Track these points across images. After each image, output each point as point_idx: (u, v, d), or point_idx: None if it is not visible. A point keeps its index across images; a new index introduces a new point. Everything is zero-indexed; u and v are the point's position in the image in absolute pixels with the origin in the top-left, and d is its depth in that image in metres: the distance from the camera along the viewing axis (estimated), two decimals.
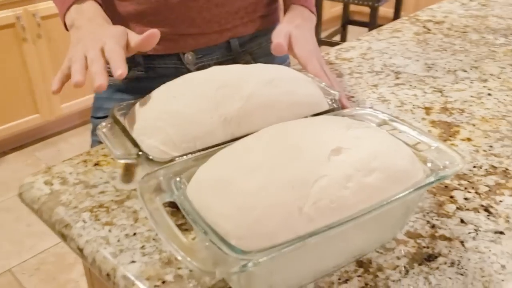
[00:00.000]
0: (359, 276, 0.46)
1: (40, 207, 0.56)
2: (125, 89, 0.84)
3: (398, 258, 0.48)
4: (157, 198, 0.43)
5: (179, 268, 0.47)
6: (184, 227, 0.51)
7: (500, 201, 0.56)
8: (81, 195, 0.57)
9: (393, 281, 0.46)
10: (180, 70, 0.83)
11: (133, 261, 0.48)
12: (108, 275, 0.48)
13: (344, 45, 1.01)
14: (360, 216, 0.40)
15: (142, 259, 0.48)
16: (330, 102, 0.61)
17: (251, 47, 0.87)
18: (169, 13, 0.77)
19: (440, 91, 0.81)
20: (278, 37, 0.70)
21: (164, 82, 0.82)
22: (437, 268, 0.47)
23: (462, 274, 0.46)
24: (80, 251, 0.51)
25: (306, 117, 0.56)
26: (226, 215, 0.40)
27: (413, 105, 0.77)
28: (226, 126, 0.53)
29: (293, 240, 0.38)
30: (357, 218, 0.40)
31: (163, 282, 0.46)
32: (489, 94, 0.80)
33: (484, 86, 0.83)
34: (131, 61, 0.82)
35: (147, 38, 0.60)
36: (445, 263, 0.48)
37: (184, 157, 0.49)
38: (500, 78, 0.86)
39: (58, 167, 0.62)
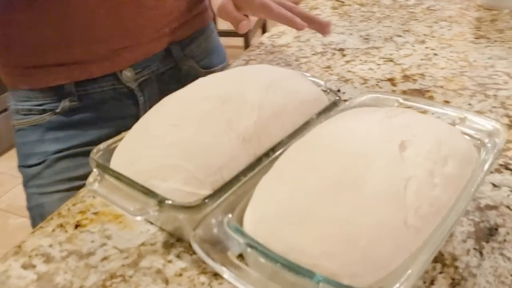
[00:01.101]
0: (440, 273, 0.43)
1: None
2: (58, 126, 0.71)
3: (464, 241, 0.46)
4: (228, 253, 0.35)
5: None
6: None
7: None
8: (79, 269, 0.46)
9: (475, 267, 0.43)
10: (119, 91, 0.72)
11: None
12: None
13: (274, 31, 0.96)
14: (461, 213, 0.36)
15: None
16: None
17: (192, 50, 0.78)
18: (99, 26, 0.66)
19: (391, 60, 0.81)
20: (230, 14, 0.64)
21: (102, 109, 0.72)
22: (505, 240, 0.45)
23: None
24: None
25: (318, 115, 0.51)
26: (327, 253, 0.33)
27: (376, 79, 0.75)
28: (246, 146, 0.45)
29: (416, 262, 0.33)
30: (459, 217, 0.36)
31: None
32: (435, 54, 0.81)
33: (426, 47, 0.84)
34: (60, 91, 0.70)
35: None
36: (508, 233, 0.46)
37: (220, 196, 0.41)
38: (434, 36, 0.88)
39: (31, 242, 0.49)
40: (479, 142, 0.45)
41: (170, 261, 0.46)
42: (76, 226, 0.51)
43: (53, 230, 0.51)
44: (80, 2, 0.64)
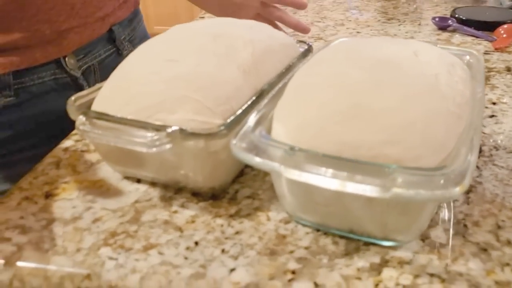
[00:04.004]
0: None
1: (19, 277, 0.36)
2: None
3: None
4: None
5: (291, 252, 0.36)
6: None
7: None
8: (68, 234, 0.39)
9: (477, 177, 0.45)
10: (61, 81, 0.64)
11: (232, 269, 0.35)
12: None
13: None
14: (483, 103, 0.38)
15: (240, 262, 0.35)
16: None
17: (129, 34, 0.73)
18: (43, 3, 0.58)
19: (321, 38, 0.84)
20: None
21: (41, 105, 0.62)
22: (491, 155, 0.48)
23: None
24: None
25: (299, 58, 0.50)
26: (387, 141, 0.32)
27: None
28: (247, 78, 0.42)
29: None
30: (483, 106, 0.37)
31: (293, 273, 0.34)
32: (358, 32, 0.86)
33: (347, 28, 0.89)
34: None
35: None
36: (491, 149, 0.49)
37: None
38: (350, 21, 0.93)
39: None
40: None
41: (175, 212, 0.41)
42: (47, 196, 0.43)
43: (19, 204, 0.42)
44: None
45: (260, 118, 0.38)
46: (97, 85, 0.44)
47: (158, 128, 0.37)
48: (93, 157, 0.49)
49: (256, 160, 0.32)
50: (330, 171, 0.30)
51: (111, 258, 0.36)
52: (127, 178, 0.45)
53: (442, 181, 0.29)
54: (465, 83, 0.39)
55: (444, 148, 0.33)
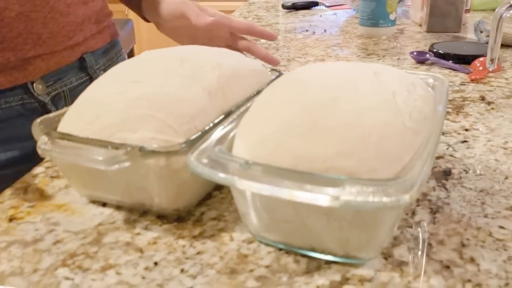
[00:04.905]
0: (417, 205, 0.44)
1: None
2: None
3: (427, 181, 0.47)
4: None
5: (251, 271, 0.36)
6: None
7: None
8: (27, 255, 0.38)
9: (445, 198, 0.45)
10: (29, 106, 0.65)
11: None
12: None
13: None
14: (443, 119, 0.38)
15: (198, 281, 0.35)
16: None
17: (105, 63, 0.74)
18: (8, 31, 0.60)
19: None
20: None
21: (7, 129, 0.63)
22: (460, 177, 0.48)
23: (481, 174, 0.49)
24: None
25: (270, 84, 0.51)
26: (341, 154, 0.32)
27: None
28: (212, 100, 0.43)
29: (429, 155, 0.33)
30: (443, 122, 0.38)
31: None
32: None
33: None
34: None
35: None
36: (461, 172, 0.49)
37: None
38: (331, 56, 0.95)
39: None
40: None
41: (138, 234, 0.40)
42: (11, 220, 0.43)
43: None
44: None
45: (222, 136, 0.38)
46: (65, 109, 0.44)
47: (117, 147, 0.37)
48: (61, 183, 0.48)
49: (208, 172, 0.32)
50: (283, 182, 0.30)
51: (67, 278, 0.35)
52: (93, 202, 0.45)
53: (392, 190, 0.29)
54: (425, 101, 0.40)
55: (399, 161, 0.33)
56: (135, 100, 0.40)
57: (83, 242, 0.39)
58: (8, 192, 0.47)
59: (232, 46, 0.76)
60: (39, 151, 0.38)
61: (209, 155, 0.34)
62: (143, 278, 0.35)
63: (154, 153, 0.36)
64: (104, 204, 0.44)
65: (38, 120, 0.42)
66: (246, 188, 0.31)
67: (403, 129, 0.34)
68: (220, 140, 0.37)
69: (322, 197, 0.29)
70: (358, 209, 0.30)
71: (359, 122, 0.34)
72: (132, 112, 0.39)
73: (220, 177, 0.31)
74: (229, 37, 0.76)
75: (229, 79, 0.46)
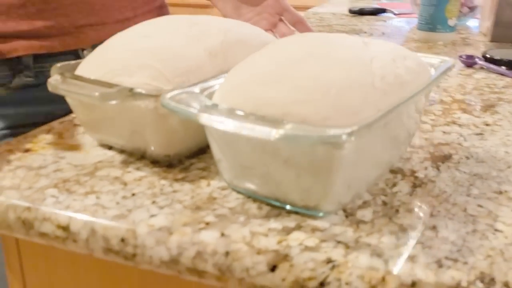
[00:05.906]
0: (402, 179, 0.43)
1: None
2: (10, 102, 0.69)
3: (421, 162, 0.47)
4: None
5: (214, 210, 0.38)
6: None
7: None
8: (29, 176, 0.43)
9: (433, 176, 0.44)
10: None
11: (153, 215, 0.37)
12: (123, 240, 0.36)
13: None
14: (427, 87, 0.39)
15: (163, 211, 0.38)
16: None
17: None
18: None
19: None
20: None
21: None
22: (459, 162, 0.47)
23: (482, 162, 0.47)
24: (63, 229, 0.37)
25: None
26: (298, 101, 0.34)
27: None
28: (212, 61, 0.46)
29: (385, 112, 0.34)
30: (424, 89, 0.38)
31: (207, 224, 0.36)
32: None
33: None
34: (16, 64, 0.68)
35: None
36: (461, 158, 0.48)
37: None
38: None
39: None
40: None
41: (129, 172, 0.44)
42: (26, 151, 0.48)
43: (0, 153, 0.47)
44: None
45: (207, 87, 0.41)
46: (86, 58, 0.49)
47: (112, 86, 0.40)
48: (80, 129, 0.53)
49: (173, 106, 0.35)
50: (236, 121, 0.32)
51: (53, 196, 0.40)
52: (102, 146, 0.49)
53: (331, 131, 0.30)
54: (411, 72, 0.40)
55: (355, 115, 0.33)
56: (139, 50, 0.44)
57: (79, 173, 0.44)
58: (33, 132, 0.53)
59: (274, 31, 0.78)
60: (49, 86, 0.43)
61: (184, 97, 0.37)
62: (117, 203, 0.39)
63: (141, 95, 0.40)
64: (110, 148, 0.49)
65: (59, 64, 0.47)
66: (205, 121, 0.33)
67: (369, 87, 0.35)
68: (203, 90, 0.40)
69: (263, 130, 0.30)
70: (295, 143, 0.32)
71: (324, 75, 0.35)
72: (134, 61, 0.43)
73: (184, 111, 0.34)
74: (277, 20, 0.77)
75: (233, 44, 0.48)
